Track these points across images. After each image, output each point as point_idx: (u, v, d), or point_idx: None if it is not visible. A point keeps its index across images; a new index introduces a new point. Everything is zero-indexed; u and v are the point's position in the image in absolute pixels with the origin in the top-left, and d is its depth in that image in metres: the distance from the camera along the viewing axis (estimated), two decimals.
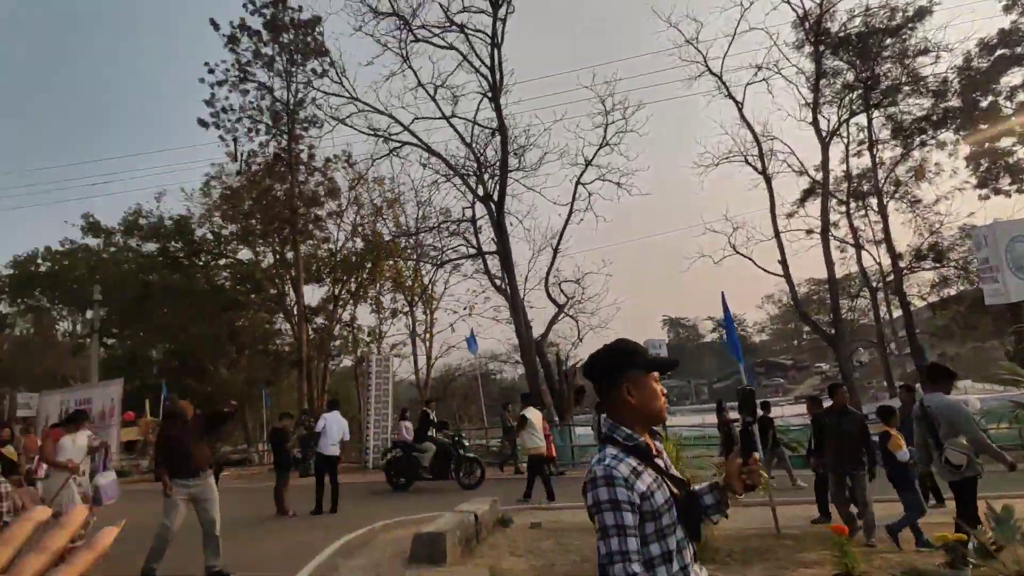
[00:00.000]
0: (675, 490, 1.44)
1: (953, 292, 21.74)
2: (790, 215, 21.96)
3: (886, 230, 20.75)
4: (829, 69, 20.53)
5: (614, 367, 1.52)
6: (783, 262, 18.80)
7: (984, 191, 20.82)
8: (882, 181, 21.06)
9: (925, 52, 19.39)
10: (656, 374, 1.53)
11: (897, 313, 25.63)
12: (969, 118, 19.83)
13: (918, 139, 20.72)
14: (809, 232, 21.01)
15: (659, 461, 1.49)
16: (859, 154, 21.77)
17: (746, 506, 6.42)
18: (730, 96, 19.49)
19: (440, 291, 23.08)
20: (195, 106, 64.88)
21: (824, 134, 19.76)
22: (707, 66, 19.14)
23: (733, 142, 20.16)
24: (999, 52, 19.54)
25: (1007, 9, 19.54)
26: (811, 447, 6.73)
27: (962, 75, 19.92)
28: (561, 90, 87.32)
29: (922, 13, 18.86)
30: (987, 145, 20.16)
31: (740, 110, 19.35)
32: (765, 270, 19.89)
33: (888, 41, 19.60)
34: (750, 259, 19.89)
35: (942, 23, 23.45)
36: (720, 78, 19.38)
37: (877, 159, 21.07)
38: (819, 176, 19.87)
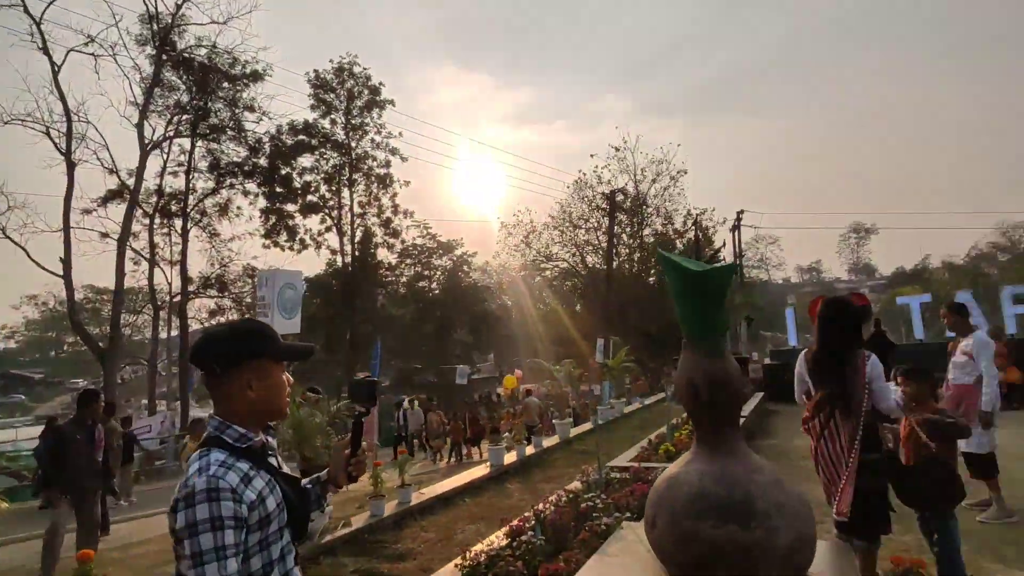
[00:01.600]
0: (288, 490, 1.32)
1: (223, 319, 24.76)
2: (87, 211, 19.63)
3: (184, 253, 21.73)
4: (167, 81, 20.42)
5: (235, 353, 1.31)
6: (66, 261, 16.27)
7: (268, 241, 25.30)
8: (191, 207, 22.13)
9: (251, 109, 22.39)
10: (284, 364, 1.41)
11: (175, 333, 26.78)
12: (270, 179, 23.97)
13: (229, 180, 23.22)
14: (104, 236, 19.37)
15: (273, 460, 1.35)
16: (176, 174, 22.28)
17: None
18: (45, 51, 16.03)
19: None
20: None
21: (147, 142, 19.16)
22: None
23: (36, 105, 16.50)
24: (300, 137, 24.91)
25: (312, 108, 25.38)
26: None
27: (273, 142, 24.14)
28: None
29: (256, 76, 21.83)
30: (277, 205, 24.85)
31: (55, 73, 16.13)
32: (41, 266, 16.59)
33: (225, 84, 21.50)
34: (23, 248, 16.20)
35: (272, 93, 27.77)
36: (38, 23, 15.74)
37: (192, 185, 22.13)
38: (131, 182, 18.88)
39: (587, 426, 11.09)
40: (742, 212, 21.02)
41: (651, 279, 25.56)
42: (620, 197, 25.09)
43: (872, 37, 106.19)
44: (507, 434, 9.62)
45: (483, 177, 70.37)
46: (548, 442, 9.26)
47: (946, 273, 47.32)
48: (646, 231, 27.50)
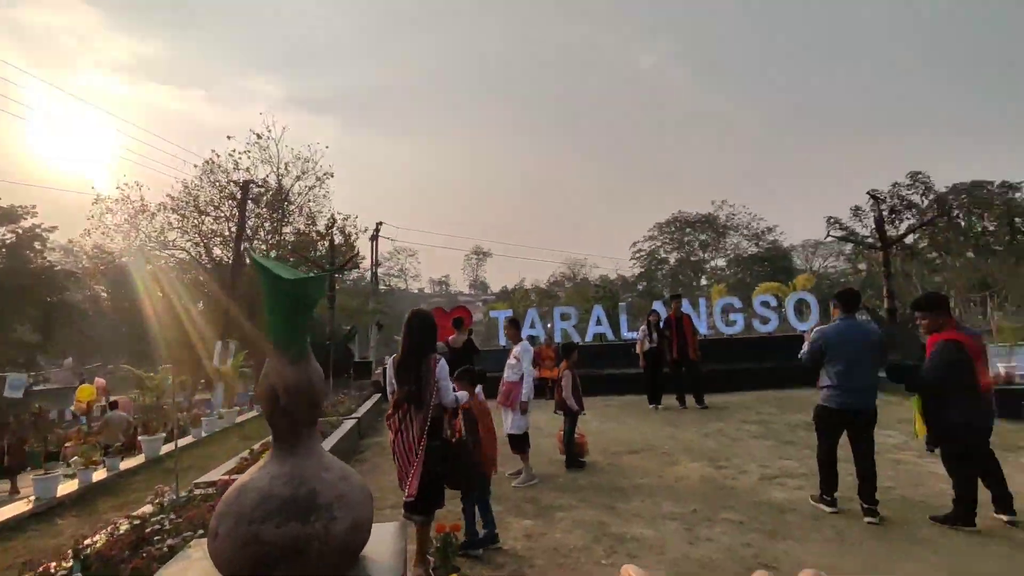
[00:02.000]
0: None
1: None
2: None
3: None
4: None
5: None
6: None
7: None
8: None
9: None
10: None
11: None
12: None
13: None
14: None
15: None
16: None
17: None
18: None
19: None
20: None
21: None
22: None
23: None
24: None
25: None
26: None
27: None
28: None
29: None
30: None
31: None
32: None
33: None
34: None
35: None
36: None
37: None
38: None
39: (187, 440, 9.84)
40: (381, 224, 22.36)
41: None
42: (259, 189, 23.36)
43: (503, 92, 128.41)
44: (75, 458, 7.69)
45: (79, 135, 54.89)
46: (129, 463, 7.82)
47: (533, 295, 60.89)
48: (287, 229, 26.33)
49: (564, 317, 13.48)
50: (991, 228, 37.65)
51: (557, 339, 13.55)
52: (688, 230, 62.33)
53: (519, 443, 5.88)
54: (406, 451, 3.77)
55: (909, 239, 33.37)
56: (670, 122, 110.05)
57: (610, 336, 13.55)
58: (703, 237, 62.01)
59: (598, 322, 13.14)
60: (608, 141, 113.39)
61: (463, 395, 4.17)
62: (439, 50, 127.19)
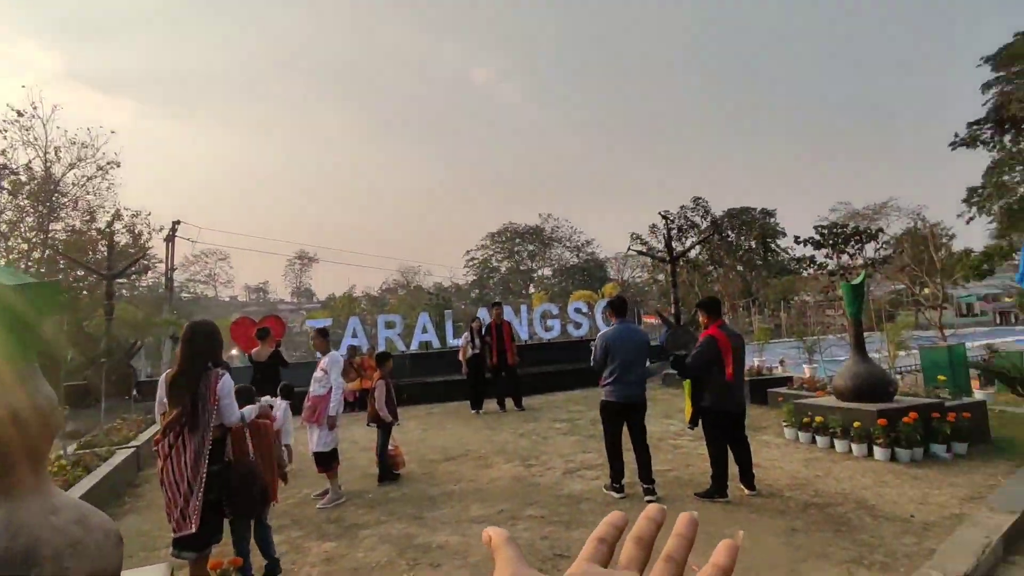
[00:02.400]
0: None
1: None
2: None
3: None
4: None
5: None
6: None
7: None
8: None
9: None
10: None
11: None
12: None
13: None
14: None
15: None
16: None
17: None
18: None
19: None
20: None
21: None
22: None
23: None
24: None
25: None
26: None
27: None
28: None
29: None
30: None
31: None
32: None
33: None
34: None
35: None
36: None
37: None
38: None
39: None
40: (178, 223, 19.65)
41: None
42: (15, 176, 19.09)
43: (338, 92, 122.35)
44: None
45: None
46: None
47: (364, 302, 58.64)
48: (57, 225, 21.84)
49: (389, 325, 13.18)
50: (752, 246, 45.70)
51: (381, 347, 13.18)
52: (518, 240, 65.49)
53: (326, 460, 5.52)
54: (177, 479, 3.28)
55: (692, 253, 39.08)
56: (504, 135, 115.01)
57: (436, 344, 13.57)
58: (531, 247, 65.65)
59: (424, 330, 13.07)
60: (447, 149, 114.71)
61: (250, 411, 3.77)
62: (265, 38, 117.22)
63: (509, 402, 10.34)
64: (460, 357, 10.47)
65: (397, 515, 5.04)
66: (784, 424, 7.14)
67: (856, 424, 6.13)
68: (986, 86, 22.69)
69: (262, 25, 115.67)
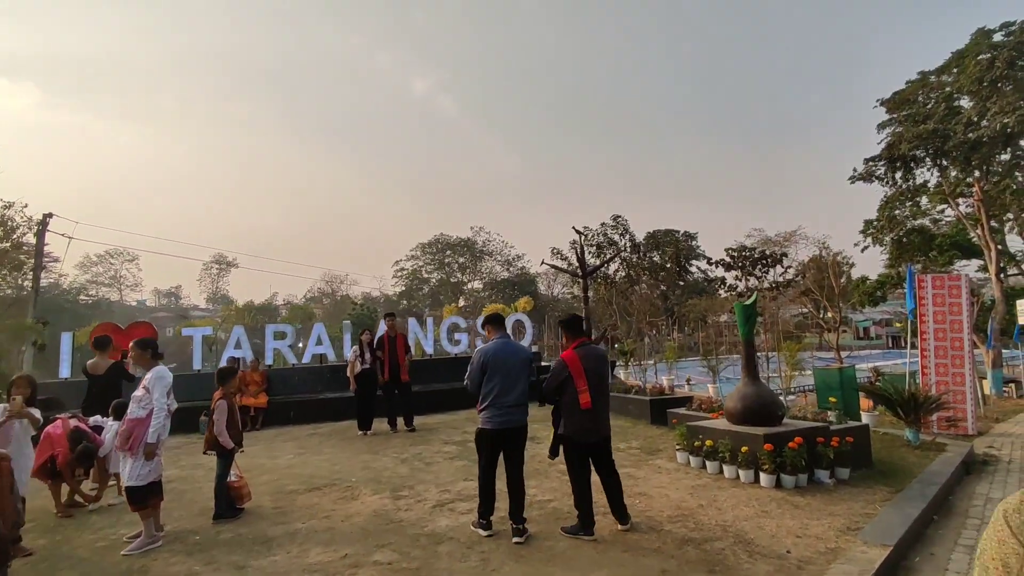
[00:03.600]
0: None
1: None
2: None
3: None
4: None
5: None
6: None
7: None
8: None
9: None
10: None
11: None
12: None
13: None
14: None
15: None
16: None
17: None
18: None
19: None
20: None
21: None
22: None
23: None
24: None
25: None
26: None
27: None
28: None
29: None
30: None
31: None
32: None
33: None
34: None
35: None
36: None
37: None
38: None
39: None
40: (50, 216, 17.41)
41: None
42: None
43: (266, 90, 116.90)
44: None
45: None
46: None
47: (284, 310, 55.42)
48: None
49: (278, 336, 12.06)
50: (668, 266, 47.14)
51: (268, 361, 12.03)
52: (449, 252, 64.69)
53: (140, 497, 4.58)
54: None
55: (610, 271, 39.76)
56: (440, 145, 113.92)
57: (332, 356, 12.57)
58: (461, 260, 64.98)
59: (319, 341, 12.06)
60: (381, 157, 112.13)
61: None
62: (190, 32, 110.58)
63: (402, 422, 9.58)
64: (348, 373, 9.61)
65: (216, 564, 4.20)
66: (677, 447, 6.85)
67: (744, 449, 5.90)
68: (881, 126, 24.42)
69: (181, 15, 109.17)
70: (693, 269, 48.72)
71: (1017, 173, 21.29)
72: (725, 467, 6.09)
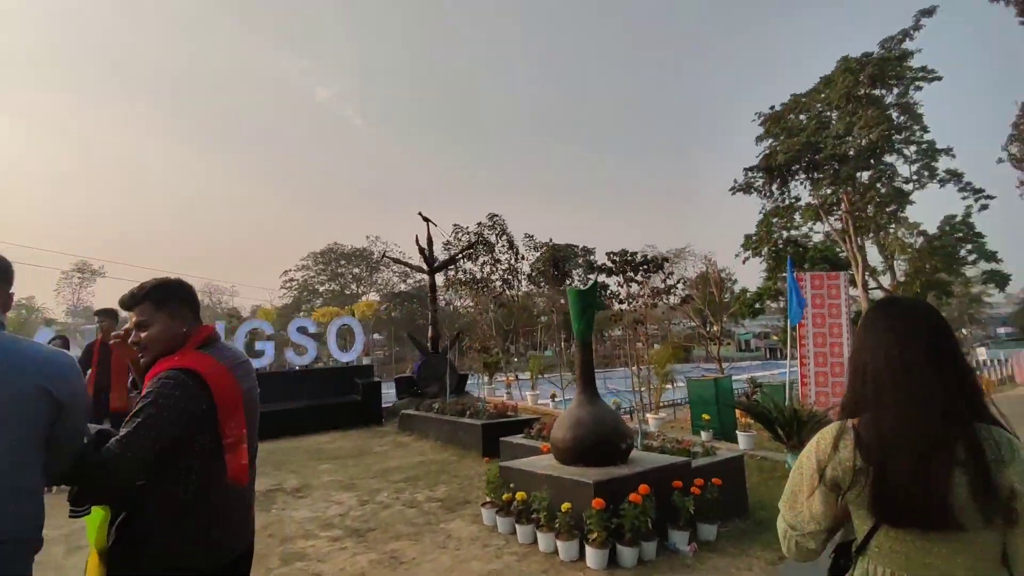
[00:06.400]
0: None
1: None
2: None
3: None
4: None
5: None
6: None
7: None
8: None
9: None
10: None
11: None
12: None
13: None
14: None
15: None
16: None
17: None
18: None
19: None
20: None
21: None
22: None
23: None
24: None
25: None
26: None
27: None
28: None
29: None
30: None
31: None
32: None
33: None
34: None
35: None
36: None
37: None
38: None
39: None
40: None
41: None
42: None
43: (149, 86, 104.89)
44: None
45: None
46: None
47: None
48: None
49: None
50: (544, 270, 45.99)
51: None
52: (343, 262, 60.64)
53: None
54: None
55: (486, 274, 37.89)
56: (339, 155, 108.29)
57: None
58: (356, 270, 61.06)
59: None
60: (274, 164, 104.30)
61: None
62: (69, 22, 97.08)
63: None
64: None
65: None
66: (483, 503, 4.70)
67: (565, 507, 3.86)
68: (759, 138, 24.72)
69: (64, 6, 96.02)
70: (576, 276, 48.02)
71: (879, 185, 22.05)
72: (540, 535, 4.01)
